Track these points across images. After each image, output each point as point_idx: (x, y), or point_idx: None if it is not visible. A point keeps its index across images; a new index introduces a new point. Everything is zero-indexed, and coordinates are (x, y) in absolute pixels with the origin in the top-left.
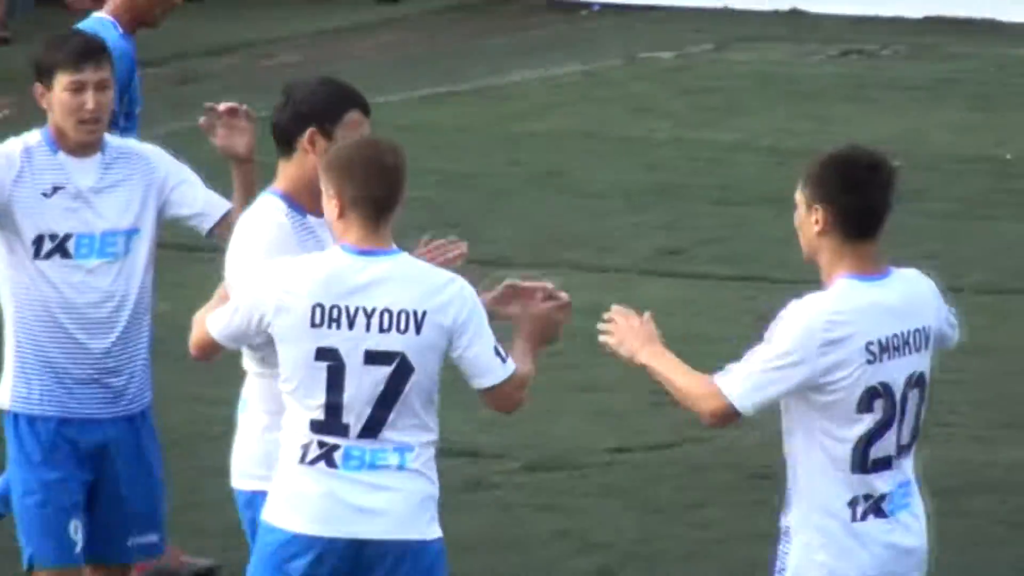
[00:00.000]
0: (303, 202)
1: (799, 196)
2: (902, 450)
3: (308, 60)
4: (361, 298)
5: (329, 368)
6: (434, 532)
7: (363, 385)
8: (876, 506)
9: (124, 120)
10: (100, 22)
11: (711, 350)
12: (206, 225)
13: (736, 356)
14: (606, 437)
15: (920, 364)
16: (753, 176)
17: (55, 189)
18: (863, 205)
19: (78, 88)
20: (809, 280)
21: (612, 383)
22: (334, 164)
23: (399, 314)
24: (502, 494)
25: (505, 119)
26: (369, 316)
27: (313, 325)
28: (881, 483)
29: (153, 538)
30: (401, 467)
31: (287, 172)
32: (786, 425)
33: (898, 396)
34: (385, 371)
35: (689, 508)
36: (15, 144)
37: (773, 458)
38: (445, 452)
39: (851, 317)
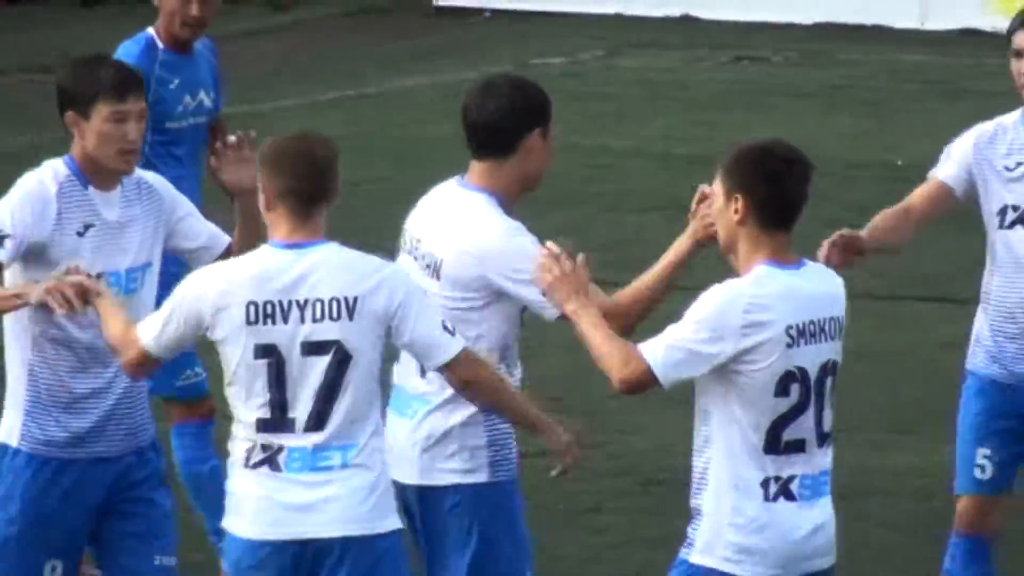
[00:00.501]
0: (509, 200)
1: (718, 186)
2: (822, 438)
3: None
4: (293, 291)
5: (269, 365)
6: (385, 525)
7: (304, 378)
8: (786, 488)
9: (151, 135)
10: (138, 37)
11: None
12: (207, 259)
13: None
14: None
15: (833, 352)
16: (646, 183)
17: (87, 227)
18: (781, 196)
19: (121, 119)
20: (705, 287)
21: None
22: (267, 156)
23: (331, 302)
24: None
25: (397, 125)
26: (302, 308)
27: (249, 323)
28: (793, 466)
29: (173, 561)
30: (344, 465)
31: (505, 172)
32: (701, 406)
33: (813, 382)
34: (324, 361)
35: (583, 513)
36: (47, 181)
37: (665, 464)
38: None
39: (771, 301)
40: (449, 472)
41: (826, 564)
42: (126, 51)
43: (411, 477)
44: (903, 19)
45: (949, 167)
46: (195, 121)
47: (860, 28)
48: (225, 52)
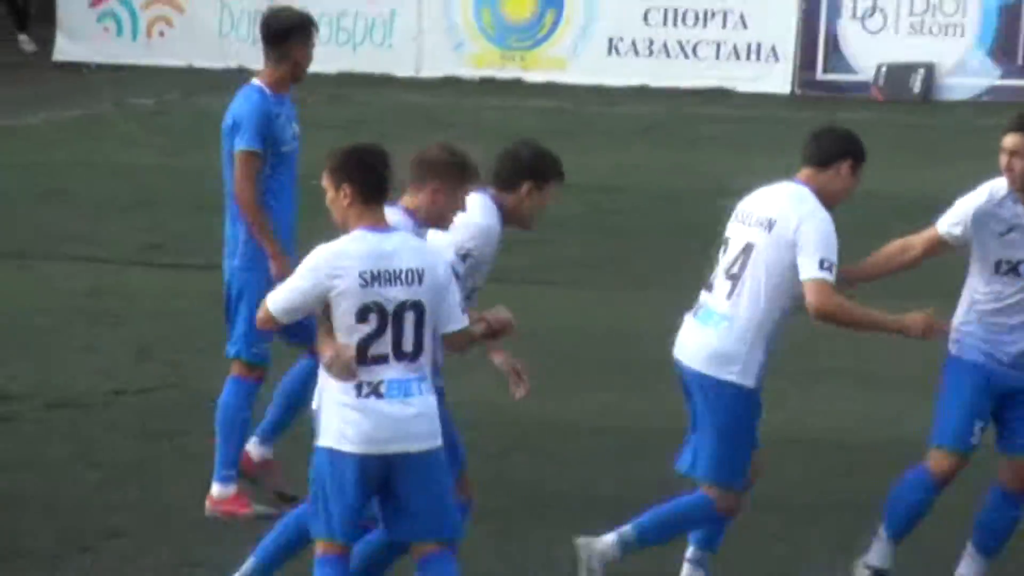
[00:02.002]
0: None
1: (327, 182)
2: (403, 355)
3: None
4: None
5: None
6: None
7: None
8: (376, 389)
9: (271, 157)
10: (247, 90)
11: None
12: None
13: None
14: (106, 382)
15: (414, 295)
16: (219, 188)
17: None
18: (375, 178)
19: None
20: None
21: (108, 338)
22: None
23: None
24: (28, 427)
25: (19, 152)
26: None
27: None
28: (380, 374)
29: None
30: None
31: (817, 179)
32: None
33: (390, 312)
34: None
35: (176, 436)
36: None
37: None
38: None
39: (352, 254)
40: (728, 372)
41: (417, 447)
42: (247, 99)
43: (699, 365)
44: (403, 69)
45: (952, 222)
46: (295, 145)
47: (371, 76)
48: None
